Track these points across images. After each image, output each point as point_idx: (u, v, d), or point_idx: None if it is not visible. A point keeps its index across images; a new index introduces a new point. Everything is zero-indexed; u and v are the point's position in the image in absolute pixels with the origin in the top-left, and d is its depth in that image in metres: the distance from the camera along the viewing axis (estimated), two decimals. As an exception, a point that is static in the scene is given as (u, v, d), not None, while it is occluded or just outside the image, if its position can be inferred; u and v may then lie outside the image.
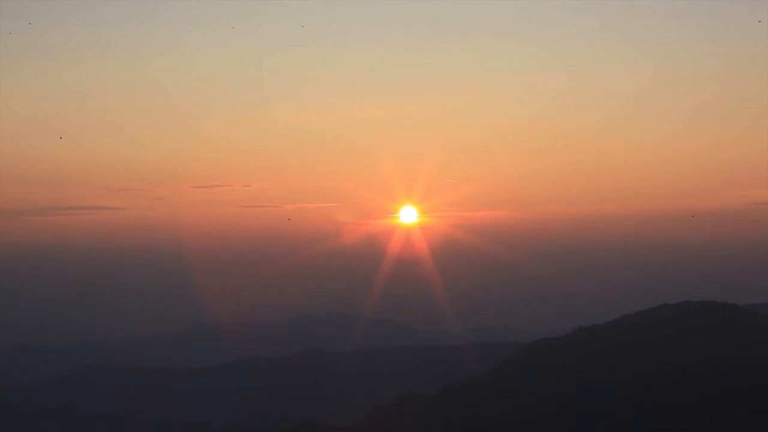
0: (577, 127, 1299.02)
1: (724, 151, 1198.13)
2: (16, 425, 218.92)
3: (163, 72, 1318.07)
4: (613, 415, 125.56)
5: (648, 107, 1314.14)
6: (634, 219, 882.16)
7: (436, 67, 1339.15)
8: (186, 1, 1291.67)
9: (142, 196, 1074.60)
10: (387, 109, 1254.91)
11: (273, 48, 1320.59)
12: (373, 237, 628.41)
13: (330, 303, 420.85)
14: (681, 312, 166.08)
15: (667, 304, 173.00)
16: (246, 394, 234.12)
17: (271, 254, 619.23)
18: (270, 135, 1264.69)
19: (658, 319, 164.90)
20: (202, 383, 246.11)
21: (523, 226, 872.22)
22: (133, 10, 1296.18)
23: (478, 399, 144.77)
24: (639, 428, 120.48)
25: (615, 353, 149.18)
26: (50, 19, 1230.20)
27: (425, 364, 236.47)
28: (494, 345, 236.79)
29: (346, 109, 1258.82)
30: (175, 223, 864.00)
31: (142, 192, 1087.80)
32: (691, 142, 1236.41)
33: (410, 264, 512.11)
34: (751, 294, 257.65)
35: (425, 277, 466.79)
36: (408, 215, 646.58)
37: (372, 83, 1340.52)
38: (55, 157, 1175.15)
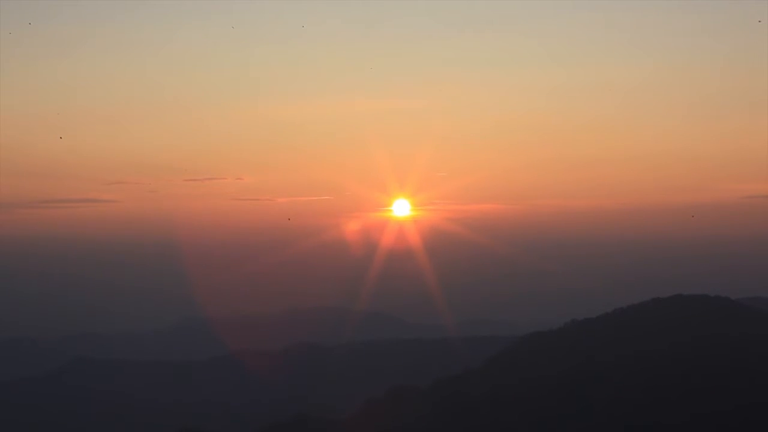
0: (569, 121, 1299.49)
1: (717, 146, 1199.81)
2: (8, 418, 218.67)
3: (157, 66, 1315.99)
4: (605, 407, 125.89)
5: (642, 103, 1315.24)
6: (626, 213, 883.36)
7: (430, 61, 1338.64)
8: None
9: (135, 189, 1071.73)
10: (380, 103, 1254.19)
11: (266, 41, 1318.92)
12: (366, 230, 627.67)
13: (323, 296, 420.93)
14: (673, 306, 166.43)
15: (660, 297, 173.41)
16: (239, 387, 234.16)
17: (264, 247, 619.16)
18: (263, 128, 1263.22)
19: (650, 313, 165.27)
20: (195, 376, 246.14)
21: (515, 219, 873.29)
22: (127, 6, 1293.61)
23: (471, 392, 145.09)
24: (632, 420, 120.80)
25: (607, 346, 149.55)
26: (45, 14, 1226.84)
27: (418, 357, 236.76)
28: (487, 338, 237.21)
29: (339, 103, 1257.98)
30: (167, 216, 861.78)
31: (135, 185, 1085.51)
32: (685, 137, 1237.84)
33: (403, 257, 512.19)
34: (744, 288, 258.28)
35: (418, 271, 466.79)
36: (401, 208, 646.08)
37: (365, 76, 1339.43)
38: (48, 150, 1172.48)
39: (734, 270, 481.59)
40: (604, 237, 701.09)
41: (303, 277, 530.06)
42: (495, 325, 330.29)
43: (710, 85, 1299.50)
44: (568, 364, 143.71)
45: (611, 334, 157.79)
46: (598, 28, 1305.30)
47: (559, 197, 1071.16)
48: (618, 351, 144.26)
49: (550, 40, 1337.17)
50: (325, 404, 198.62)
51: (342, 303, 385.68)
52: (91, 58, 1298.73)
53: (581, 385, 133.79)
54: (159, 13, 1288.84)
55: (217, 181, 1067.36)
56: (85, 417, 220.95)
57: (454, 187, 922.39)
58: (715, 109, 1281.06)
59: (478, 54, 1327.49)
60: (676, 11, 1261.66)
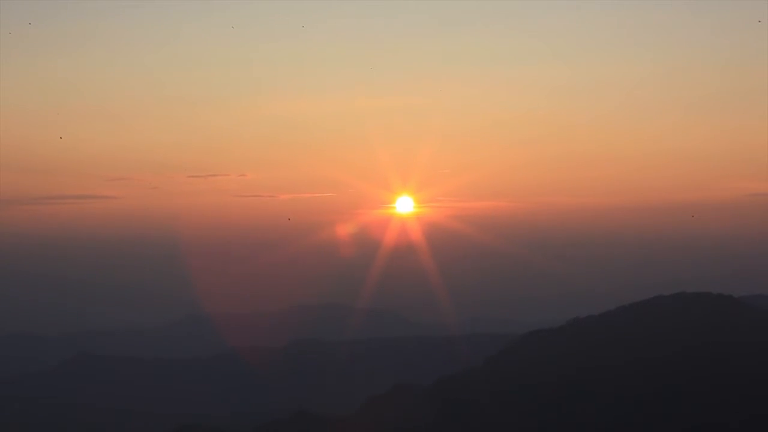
0: (574, 118, 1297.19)
1: (720, 144, 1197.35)
2: (9, 413, 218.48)
3: (159, 62, 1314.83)
4: (607, 404, 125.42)
5: (645, 101, 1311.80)
6: (629, 210, 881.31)
7: (433, 57, 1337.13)
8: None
9: (137, 185, 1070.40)
10: (383, 99, 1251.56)
11: (268, 38, 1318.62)
12: (368, 227, 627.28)
13: (325, 293, 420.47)
14: (676, 303, 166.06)
15: (663, 295, 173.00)
16: (241, 384, 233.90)
17: (267, 244, 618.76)
18: (265, 125, 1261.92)
19: (653, 310, 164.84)
20: (197, 373, 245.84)
21: (519, 217, 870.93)
22: (128, 4, 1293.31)
23: (473, 390, 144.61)
24: (635, 418, 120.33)
25: (610, 344, 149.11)
26: (47, 10, 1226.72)
27: (420, 355, 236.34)
28: (489, 336, 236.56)
29: (343, 99, 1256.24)
30: (170, 212, 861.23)
31: (137, 181, 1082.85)
32: (687, 135, 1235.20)
33: (406, 255, 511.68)
34: (746, 285, 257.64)
35: (421, 268, 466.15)
36: (404, 205, 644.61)
37: (368, 73, 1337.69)
38: (49, 146, 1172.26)
39: (737, 268, 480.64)
40: (607, 235, 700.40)
41: (305, 274, 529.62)
42: (497, 323, 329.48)
43: (713, 84, 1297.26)
44: (571, 362, 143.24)
45: (614, 332, 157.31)
46: (600, 25, 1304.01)
47: (562, 195, 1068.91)
48: (620, 349, 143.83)
49: (554, 37, 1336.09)
50: (326, 402, 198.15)
51: (344, 300, 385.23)
52: (92, 55, 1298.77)
53: (583, 383, 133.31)
54: (161, 12, 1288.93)
55: (219, 177, 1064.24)
56: (87, 413, 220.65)
57: (457, 184, 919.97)
58: (718, 107, 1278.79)
59: (481, 51, 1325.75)
60: (677, 10, 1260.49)
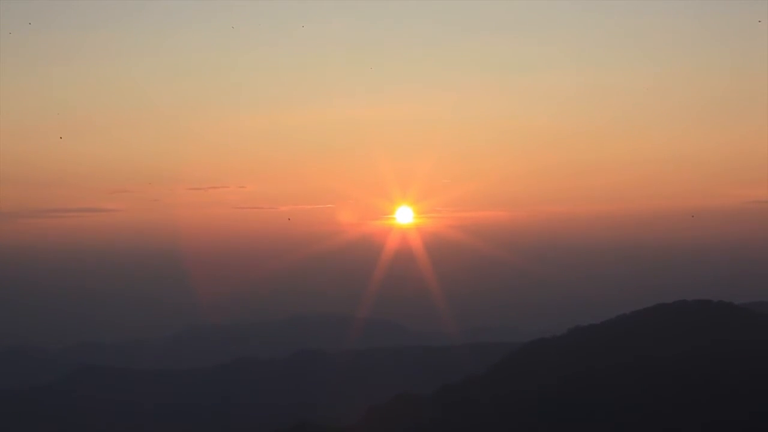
0: (573, 127, 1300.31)
1: (720, 150, 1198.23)
2: (11, 428, 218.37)
3: (158, 73, 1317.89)
4: (609, 415, 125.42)
5: (644, 108, 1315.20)
6: (630, 218, 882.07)
7: (433, 66, 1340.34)
8: (181, 1, 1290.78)
9: (138, 198, 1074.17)
10: (383, 110, 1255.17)
11: (268, 48, 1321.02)
12: (368, 237, 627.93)
13: (326, 304, 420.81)
14: (677, 311, 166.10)
15: (664, 303, 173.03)
16: (242, 395, 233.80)
17: (267, 255, 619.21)
18: (265, 136, 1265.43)
19: (654, 319, 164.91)
20: (198, 384, 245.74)
21: (519, 226, 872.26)
22: (128, 11, 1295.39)
23: (475, 400, 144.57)
24: (635, 428, 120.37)
25: (611, 353, 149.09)
26: (47, 18, 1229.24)
27: (421, 364, 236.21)
28: (490, 345, 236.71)
29: (342, 110, 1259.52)
30: (170, 224, 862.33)
31: (137, 194, 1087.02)
32: (688, 141, 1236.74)
33: (406, 264, 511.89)
34: (748, 293, 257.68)
35: (421, 278, 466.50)
36: (404, 216, 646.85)
37: (368, 83, 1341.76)
38: (50, 158, 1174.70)
39: (738, 275, 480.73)
40: (607, 243, 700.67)
41: (306, 284, 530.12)
42: (498, 332, 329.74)
43: (713, 89, 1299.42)
44: (572, 371, 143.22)
45: (615, 340, 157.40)
46: (600, 33, 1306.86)
47: (562, 203, 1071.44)
48: (621, 357, 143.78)
49: (553, 45, 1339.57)
50: (327, 411, 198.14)
51: (345, 310, 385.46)
52: (92, 63, 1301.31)
53: (585, 392, 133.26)
54: (161, 18, 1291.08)
55: (219, 189, 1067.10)
56: (89, 426, 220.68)
57: (457, 194, 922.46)
58: (718, 112, 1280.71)
59: (482, 59, 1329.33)
60: (676, 15, 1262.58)
